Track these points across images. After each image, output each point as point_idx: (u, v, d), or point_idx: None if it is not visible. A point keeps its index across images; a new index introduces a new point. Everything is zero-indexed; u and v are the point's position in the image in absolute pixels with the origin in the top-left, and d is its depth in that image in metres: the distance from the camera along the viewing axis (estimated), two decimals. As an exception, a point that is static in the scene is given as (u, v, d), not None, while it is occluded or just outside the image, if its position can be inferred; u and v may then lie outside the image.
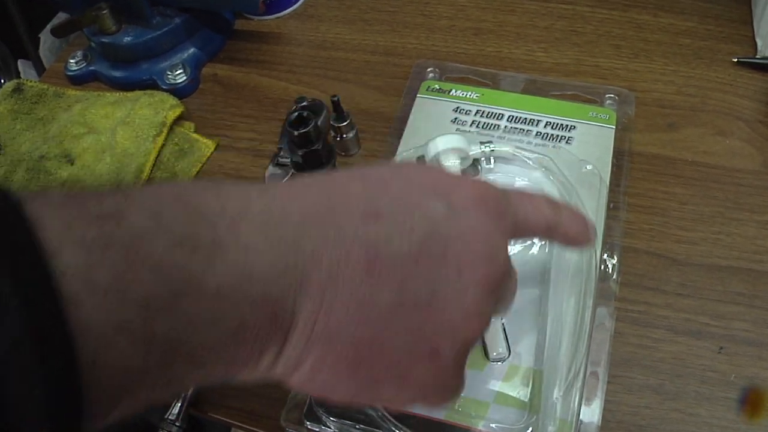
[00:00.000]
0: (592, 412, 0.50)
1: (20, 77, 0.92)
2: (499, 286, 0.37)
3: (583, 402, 0.50)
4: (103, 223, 0.27)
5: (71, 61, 0.80)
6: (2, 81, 0.88)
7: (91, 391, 0.25)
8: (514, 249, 0.56)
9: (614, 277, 0.55)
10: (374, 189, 0.35)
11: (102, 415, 0.27)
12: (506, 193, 0.39)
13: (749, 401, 0.49)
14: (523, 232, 0.41)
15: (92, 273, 0.25)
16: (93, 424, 0.27)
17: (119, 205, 0.28)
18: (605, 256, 0.56)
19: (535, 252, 0.56)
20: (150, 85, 0.75)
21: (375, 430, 0.49)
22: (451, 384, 0.38)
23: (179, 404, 0.53)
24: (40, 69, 0.92)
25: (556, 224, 0.42)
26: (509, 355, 0.52)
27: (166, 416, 0.52)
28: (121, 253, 0.26)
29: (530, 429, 0.48)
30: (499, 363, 0.52)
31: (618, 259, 0.56)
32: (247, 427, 0.54)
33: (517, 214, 0.39)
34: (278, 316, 0.31)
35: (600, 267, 0.55)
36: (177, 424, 0.52)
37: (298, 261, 0.31)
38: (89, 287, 0.25)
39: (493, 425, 0.49)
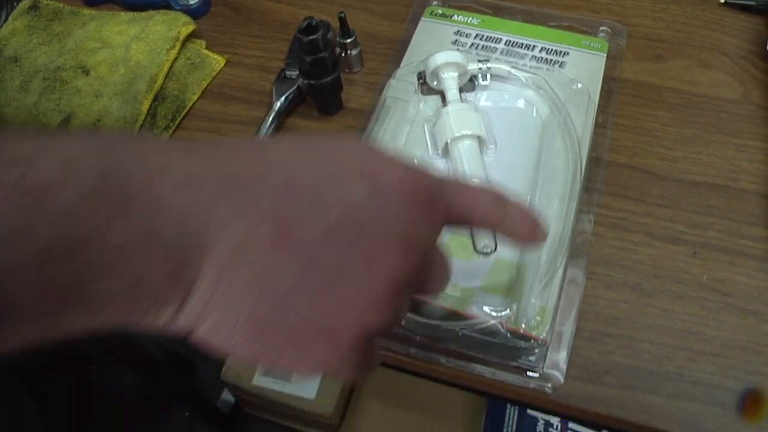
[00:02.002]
0: (571, 303, 0.53)
1: None
2: (415, 277, 0.36)
3: (561, 294, 0.53)
4: (12, 168, 0.27)
5: (89, -17, 0.82)
6: (15, 4, 0.90)
7: None
8: (501, 164, 0.60)
9: (598, 187, 0.59)
10: (300, 163, 0.34)
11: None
12: (443, 184, 0.37)
13: (748, 402, 0.51)
14: (460, 223, 0.40)
15: None
16: None
17: (33, 151, 0.28)
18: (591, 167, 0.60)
19: (522, 173, 0.60)
20: (163, 6, 0.78)
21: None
22: (351, 363, 0.36)
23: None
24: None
25: (501, 222, 0.41)
26: (496, 248, 0.55)
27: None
28: (25, 199, 0.27)
29: (510, 311, 0.52)
30: (485, 255, 0.55)
31: (603, 171, 0.60)
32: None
33: (453, 205, 0.38)
34: (178, 278, 0.31)
35: (585, 177, 0.59)
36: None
37: (206, 227, 0.31)
38: None
39: (478, 308, 0.52)
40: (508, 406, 1.16)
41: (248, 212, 0.32)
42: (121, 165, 0.30)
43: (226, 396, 1.42)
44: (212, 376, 1.46)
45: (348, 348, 0.35)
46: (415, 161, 0.37)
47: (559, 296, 0.53)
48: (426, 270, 0.38)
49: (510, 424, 1.14)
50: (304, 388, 1.20)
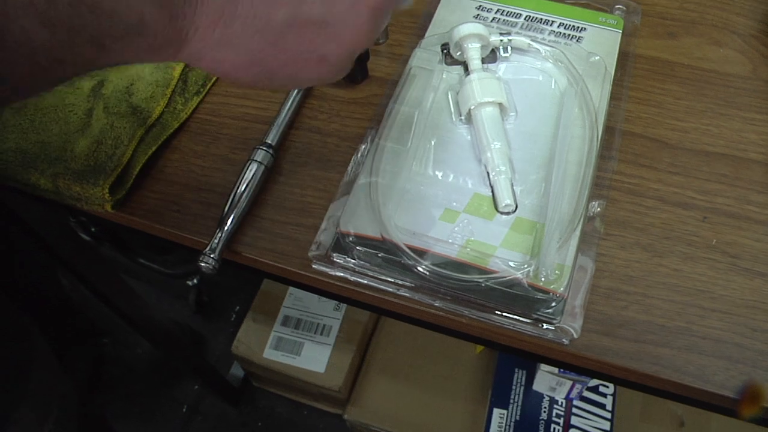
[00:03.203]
0: (587, 261, 0.56)
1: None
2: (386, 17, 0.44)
3: (579, 252, 0.56)
4: None
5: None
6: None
7: (4, 65, 0.32)
8: (522, 131, 0.63)
9: (613, 154, 0.62)
10: None
11: (20, 83, 0.34)
12: None
13: (747, 396, 0.53)
14: None
15: None
16: (14, 95, 0.34)
17: None
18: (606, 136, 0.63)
19: (541, 138, 0.63)
20: None
21: (395, 258, 0.55)
22: (341, 75, 0.46)
23: (216, 240, 0.58)
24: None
25: None
26: (516, 207, 0.58)
27: (204, 250, 0.58)
28: None
29: (530, 267, 0.55)
30: (507, 214, 0.58)
31: (618, 140, 0.63)
32: (278, 265, 0.60)
33: None
34: (177, 19, 0.37)
35: (600, 145, 0.61)
36: (213, 256, 0.58)
37: None
38: None
39: (500, 263, 0.55)
40: (514, 383, 1.19)
41: None
42: None
43: (236, 370, 1.45)
44: (222, 349, 1.50)
45: (338, 66, 0.44)
46: None
47: (576, 254, 0.56)
48: None
49: (516, 400, 1.17)
50: (314, 362, 1.23)
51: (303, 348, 1.23)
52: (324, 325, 1.24)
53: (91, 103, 0.68)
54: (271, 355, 1.24)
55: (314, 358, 1.23)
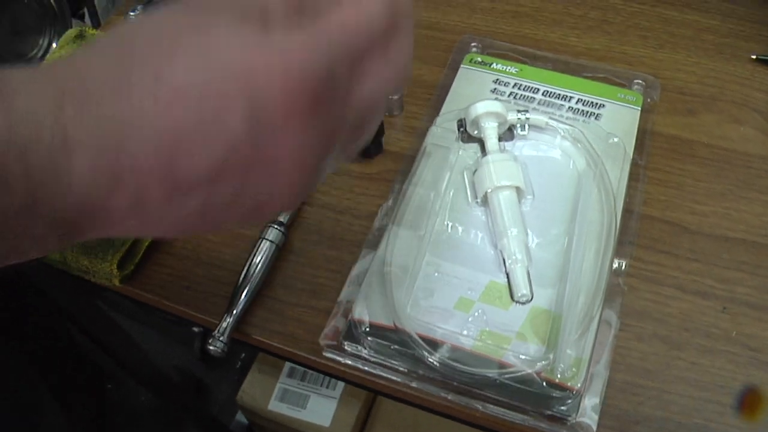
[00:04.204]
0: (604, 354, 0.55)
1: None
2: (325, 152, 0.34)
3: (595, 344, 0.55)
4: None
5: (131, 13, 0.84)
6: (56, 30, 0.92)
7: None
8: (538, 215, 0.62)
9: (631, 239, 0.61)
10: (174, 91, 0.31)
11: None
12: (334, 70, 0.33)
13: (747, 401, 0.53)
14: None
15: None
16: None
17: None
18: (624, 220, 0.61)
19: (558, 223, 0.61)
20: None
21: (407, 351, 0.54)
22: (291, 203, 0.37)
23: (225, 324, 0.57)
24: (95, 23, 0.97)
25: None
26: (532, 297, 0.57)
27: (213, 333, 0.57)
28: None
29: (546, 362, 0.53)
30: (522, 304, 0.57)
31: (636, 224, 0.62)
32: (288, 349, 0.59)
33: (348, 66, 0.34)
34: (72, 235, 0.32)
35: (619, 229, 0.60)
36: (222, 339, 0.57)
37: (96, 190, 0.30)
38: None
39: (514, 357, 0.54)
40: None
41: (138, 170, 0.30)
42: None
43: (240, 419, 1.43)
44: (227, 398, 1.48)
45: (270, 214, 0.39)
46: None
47: (593, 347, 0.55)
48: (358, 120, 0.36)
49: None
50: (319, 416, 1.21)
51: (308, 401, 1.21)
52: (330, 379, 1.22)
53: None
54: (276, 407, 1.22)
55: (320, 412, 1.21)
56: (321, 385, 1.23)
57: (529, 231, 0.60)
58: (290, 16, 0.32)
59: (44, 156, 0.28)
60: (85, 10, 0.98)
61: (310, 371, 1.23)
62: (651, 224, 0.63)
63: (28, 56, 0.91)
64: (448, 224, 0.61)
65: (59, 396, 0.92)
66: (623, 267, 0.59)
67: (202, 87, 0.30)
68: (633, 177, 0.64)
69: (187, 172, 0.31)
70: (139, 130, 0.29)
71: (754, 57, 0.74)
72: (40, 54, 0.92)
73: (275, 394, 1.23)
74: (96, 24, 0.97)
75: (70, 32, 0.82)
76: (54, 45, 0.92)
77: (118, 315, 1.20)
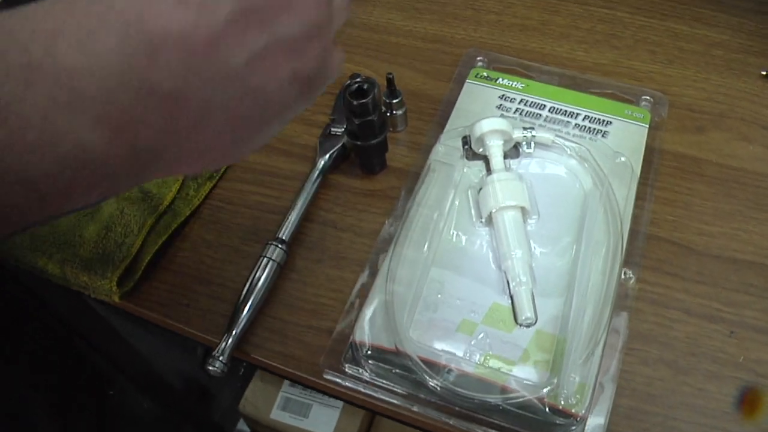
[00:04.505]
0: (609, 379, 0.54)
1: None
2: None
3: (600, 369, 0.54)
4: None
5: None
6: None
7: None
8: (544, 235, 0.61)
9: (637, 261, 0.60)
10: None
11: None
12: None
13: (747, 400, 0.53)
14: None
15: None
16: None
17: None
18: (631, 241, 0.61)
19: (563, 244, 0.61)
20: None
21: (409, 374, 0.54)
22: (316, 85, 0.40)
23: (224, 345, 0.57)
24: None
25: None
26: (536, 320, 0.56)
27: (213, 352, 0.56)
28: None
29: (550, 387, 0.52)
30: (526, 327, 0.56)
31: (642, 245, 0.61)
32: (288, 369, 0.58)
33: None
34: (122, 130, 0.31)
35: (625, 250, 0.59)
36: (222, 360, 0.56)
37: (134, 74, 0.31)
38: None
39: (517, 382, 0.53)
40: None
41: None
42: (14, 37, 0.28)
43: (242, 427, 1.42)
44: (229, 406, 1.47)
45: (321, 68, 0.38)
46: None
47: (598, 372, 0.54)
48: None
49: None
50: (321, 425, 1.21)
51: (311, 410, 1.21)
52: (333, 388, 1.22)
53: (102, 186, 0.67)
54: (278, 415, 1.21)
55: (322, 421, 1.20)
56: (323, 395, 1.22)
57: (533, 251, 0.59)
58: None
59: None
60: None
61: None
62: (658, 245, 0.62)
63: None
64: (451, 245, 0.60)
65: (58, 401, 0.91)
66: (629, 290, 0.58)
67: None
68: (640, 196, 0.63)
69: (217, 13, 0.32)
70: None
71: (764, 73, 0.73)
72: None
73: (278, 403, 1.23)
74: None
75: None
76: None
77: (117, 318, 1.19)
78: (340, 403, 1.21)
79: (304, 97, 0.39)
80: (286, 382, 1.24)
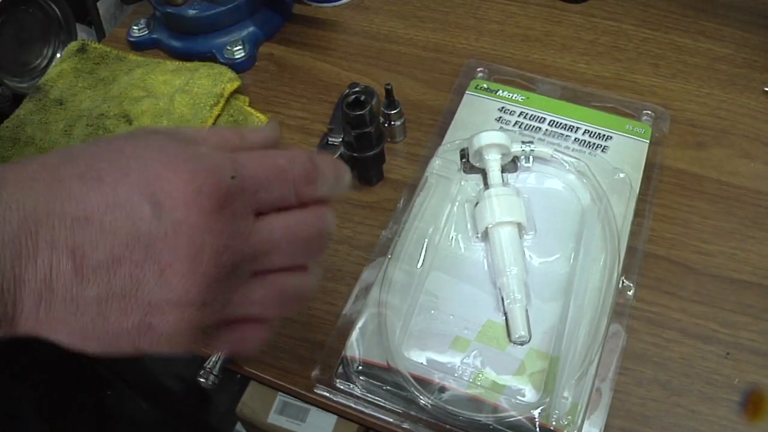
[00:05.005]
0: (602, 400, 0.53)
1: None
2: (218, 274, 0.38)
3: (594, 389, 0.53)
4: None
5: (134, 27, 0.84)
6: (60, 41, 0.92)
7: None
8: (540, 251, 0.60)
9: (634, 278, 0.59)
10: (88, 188, 0.37)
11: None
12: (236, 182, 0.38)
13: (751, 403, 0.53)
14: (269, 209, 0.41)
15: None
16: None
17: None
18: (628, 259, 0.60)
19: (560, 260, 0.60)
20: (208, 58, 0.79)
21: (400, 391, 0.53)
22: (186, 342, 0.39)
23: (215, 358, 0.56)
24: (100, 35, 0.96)
25: (312, 195, 0.42)
26: (530, 338, 0.55)
27: (205, 365, 0.56)
28: None
29: (542, 407, 0.52)
30: (520, 345, 0.55)
31: (639, 262, 0.60)
32: (279, 382, 0.58)
33: (252, 198, 0.39)
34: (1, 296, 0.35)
35: (622, 268, 0.59)
36: (214, 373, 0.56)
37: (15, 262, 0.35)
38: None
39: (509, 401, 0.53)
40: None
41: (49, 247, 0.35)
42: None
43: (240, 430, 1.42)
44: (226, 409, 1.47)
45: (174, 334, 0.38)
46: (211, 156, 0.38)
47: (591, 392, 0.53)
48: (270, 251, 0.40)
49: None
50: (319, 430, 1.20)
51: (308, 414, 1.21)
52: (330, 394, 1.22)
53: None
54: (275, 419, 1.21)
55: (319, 426, 1.20)
56: (321, 400, 1.22)
57: (528, 267, 0.58)
58: (216, 146, 0.40)
59: None
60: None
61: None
62: (656, 263, 0.61)
63: (32, 65, 0.90)
64: (446, 260, 0.60)
65: (56, 401, 0.91)
66: (625, 308, 0.58)
67: (114, 193, 0.37)
68: (639, 213, 0.63)
69: (98, 254, 0.36)
70: (62, 205, 0.36)
71: (766, 89, 0.72)
72: (44, 64, 0.91)
73: (275, 407, 1.23)
74: (101, 34, 0.97)
75: (72, 45, 0.82)
76: (59, 55, 0.91)
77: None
78: (337, 409, 1.21)
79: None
80: (284, 386, 1.23)
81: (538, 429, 0.51)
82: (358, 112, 0.60)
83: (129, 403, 1.41)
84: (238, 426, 1.42)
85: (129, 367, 1.07)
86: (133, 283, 0.37)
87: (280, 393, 1.23)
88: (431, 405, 0.52)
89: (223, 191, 0.37)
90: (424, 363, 0.55)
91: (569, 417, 0.51)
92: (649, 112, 0.70)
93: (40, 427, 0.87)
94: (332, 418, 1.21)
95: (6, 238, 0.35)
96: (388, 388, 0.54)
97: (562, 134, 0.67)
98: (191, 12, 0.79)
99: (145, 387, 1.13)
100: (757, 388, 0.53)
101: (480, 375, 0.54)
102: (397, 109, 0.68)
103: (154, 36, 0.83)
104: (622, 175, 0.63)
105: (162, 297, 0.37)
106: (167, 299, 0.37)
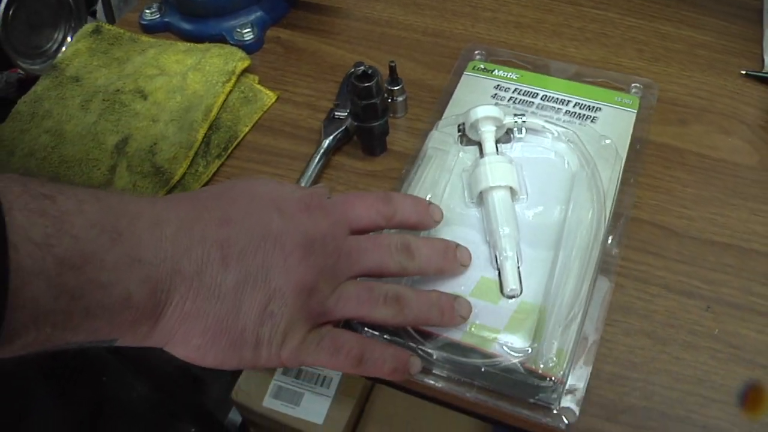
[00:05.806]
0: (590, 347, 0.57)
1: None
2: (325, 264, 0.50)
3: (581, 337, 0.57)
4: (43, 199, 0.39)
5: (146, 11, 0.88)
6: (73, 24, 0.95)
7: (9, 312, 0.36)
8: (531, 213, 0.65)
9: (621, 240, 0.63)
10: (226, 203, 0.49)
11: (11, 338, 0.37)
12: (334, 201, 0.54)
13: (749, 398, 0.55)
14: (359, 226, 0.55)
15: (29, 231, 0.37)
16: (3, 346, 0.38)
17: (54, 190, 0.40)
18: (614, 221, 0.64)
19: (551, 212, 0.64)
20: (218, 40, 0.83)
21: (400, 339, 0.57)
22: (295, 337, 0.50)
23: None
24: (110, 20, 1.00)
25: (393, 215, 0.56)
26: (521, 292, 0.59)
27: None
28: (51, 221, 0.38)
29: (530, 352, 0.56)
30: (511, 298, 0.59)
31: (625, 226, 0.64)
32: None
33: (345, 213, 0.54)
34: (156, 294, 0.43)
35: (608, 229, 0.63)
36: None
37: (175, 254, 0.44)
38: (25, 240, 0.36)
39: (501, 348, 0.56)
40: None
41: (201, 241, 0.46)
42: (112, 209, 0.43)
43: (234, 415, 1.44)
44: (222, 394, 1.49)
45: (288, 320, 0.49)
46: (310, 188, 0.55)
47: (578, 339, 0.57)
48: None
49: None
50: (313, 413, 1.23)
51: (303, 398, 1.23)
52: (324, 377, 1.24)
53: (115, 160, 0.70)
54: (270, 403, 1.23)
55: (313, 409, 1.22)
56: (315, 383, 1.25)
57: (520, 228, 0.62)
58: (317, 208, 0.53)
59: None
60: (100, 3, 1.00)
61: (305, 369, 1.25)
62: (641, 227, 0.65)
63: (43, 49, 0.94)
64: (444, 224, 0.63)
65: (52, 382, 0.94)
66: (612, 266, 0.62)
67: (247, 204, 0.51)
68: (625, 182, 0.67)
69: (240, 246, 0.47)
70: (209, 213, 0.49)
71: (743, 72, 0.77)
72: (54, 47, 0.95)
73: (270, 391, 1.25)
74: (111, 20, 1.00)
75: (87, 27, 0.85)
76: (69, 39, 0.95)
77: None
78: (332, 392, 1.24)
79: None
80: (279, 370, 1.26)
81: (526, 372, 0.55)
82: (366, 84, 0.64)
83: (124, 389, 1.43)
84: (233, 411, 1.44)
85: (125, 348, 1.10)
86: (264, 269, 0.47)
87: (275, 377, 1.26)
88: (430, 353, 0.56)
89: (327, 206, 0.53)
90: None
91: (555, 360, 0.55)
92: (638, 85, 0.74)
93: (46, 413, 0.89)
94: (326, 402, 1.23)
95: (168, 233, 0.44)
96: (388, 336, 0.57)
97: (554, 107, 0.72)
98: (203, -4, 0.83)
99: (140, 371, 1.16)
100: (756, 383, 0.55)
101: (474, 326, 0.57)
102: (400, 86, 0.72)
103: (166, 19, 0.87)
104: (608, 141, 0.67)
105: (284, 281, 0.48)
106: (287, 281, 0.48)
